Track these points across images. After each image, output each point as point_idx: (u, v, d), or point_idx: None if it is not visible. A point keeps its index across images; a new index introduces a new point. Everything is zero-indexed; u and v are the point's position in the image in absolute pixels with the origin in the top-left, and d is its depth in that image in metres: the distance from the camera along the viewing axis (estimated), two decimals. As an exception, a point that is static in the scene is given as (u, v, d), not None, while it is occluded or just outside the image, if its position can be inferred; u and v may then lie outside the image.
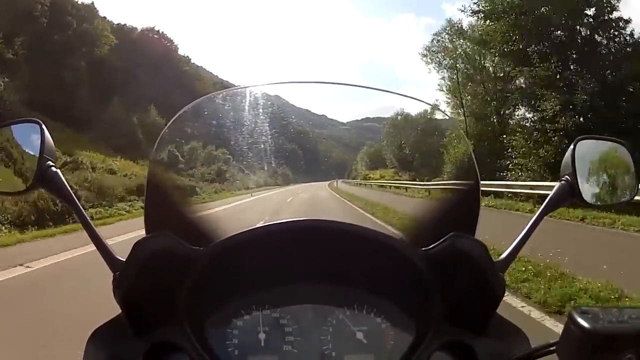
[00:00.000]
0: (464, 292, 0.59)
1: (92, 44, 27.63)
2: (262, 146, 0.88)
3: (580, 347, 0.39)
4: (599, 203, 0.70)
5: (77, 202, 0.63)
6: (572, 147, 0.67)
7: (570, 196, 0.65)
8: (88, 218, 0.63)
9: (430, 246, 0.59)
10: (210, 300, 0.62)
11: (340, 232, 0.62)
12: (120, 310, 0.58)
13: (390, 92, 0.82)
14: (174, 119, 0.69)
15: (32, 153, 0.65)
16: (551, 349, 0.45)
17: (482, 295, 0.58)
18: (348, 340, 0.63)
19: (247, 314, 0.64)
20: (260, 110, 0.81)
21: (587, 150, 0.68)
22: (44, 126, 0.64)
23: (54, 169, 0.63)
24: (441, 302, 0.59)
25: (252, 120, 0.82)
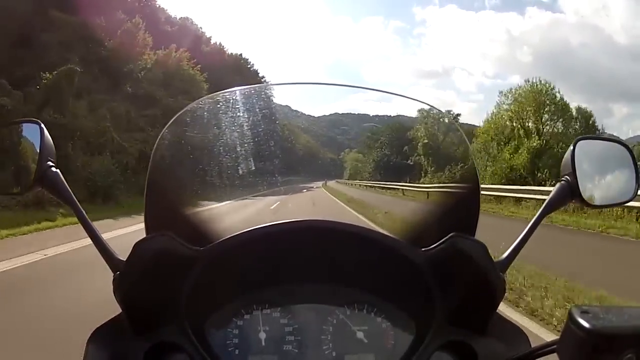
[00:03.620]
0: (464, 292, 0.59)
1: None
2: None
3: (581, 347, 0.39)
4: (599, 204, 0.70)
5: (77, 202, 0.63)
6: (571, 147, 0.66)
7: (570, 197, 0.65)
8: (88, 218, 0.62)
9: (431, 246, 0.59)
10: (211, 300, 0.62)
11: (340, 233, 0.62)
12: (120, 310, 0.58)
13: (389, 92, 0.82)
14: (172, 120, 0.69)
15: (32, 153, 0.65)
16: (551, 348, 0.45)
17: (482, 296, 0.58)
18: (348, 340, 0.63)
19: (247, 314, 0.64)
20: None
21: (588, 151, 0.68)
22: (43, 126, 0.64)
23: (53, 169, 0.63)
24: (441, 302, 0.60)
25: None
